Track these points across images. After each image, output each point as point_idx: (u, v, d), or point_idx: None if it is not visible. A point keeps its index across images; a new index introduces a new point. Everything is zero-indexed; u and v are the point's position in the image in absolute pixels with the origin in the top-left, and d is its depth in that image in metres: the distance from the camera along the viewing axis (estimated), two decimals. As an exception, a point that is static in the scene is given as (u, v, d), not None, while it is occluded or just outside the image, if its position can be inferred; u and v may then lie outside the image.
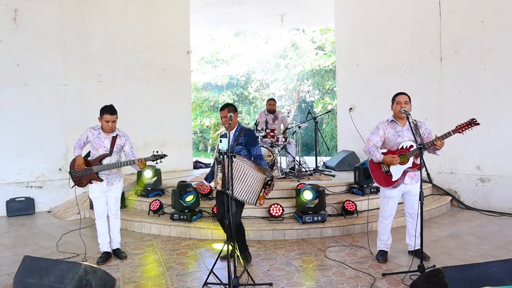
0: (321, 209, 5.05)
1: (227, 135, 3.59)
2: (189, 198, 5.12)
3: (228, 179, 3.26)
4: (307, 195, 4.91)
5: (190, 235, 5.04)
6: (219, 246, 4.21)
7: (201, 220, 5.25)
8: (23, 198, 6.56)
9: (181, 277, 3.72)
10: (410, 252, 4.09)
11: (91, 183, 4.08)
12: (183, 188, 5.20)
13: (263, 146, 6.39)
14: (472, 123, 3.53)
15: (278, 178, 6.40)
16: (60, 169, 6.90)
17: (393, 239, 4.14)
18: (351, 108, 8.23)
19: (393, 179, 3.79)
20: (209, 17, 10.80)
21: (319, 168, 7.33)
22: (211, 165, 3.98)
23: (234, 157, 3.35)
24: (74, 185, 4.12)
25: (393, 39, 7.42)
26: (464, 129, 3.55)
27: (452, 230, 5.11)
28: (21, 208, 6.52)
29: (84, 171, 4.01)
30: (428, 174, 3.50)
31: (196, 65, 19.73)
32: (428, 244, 4.35)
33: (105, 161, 4.03)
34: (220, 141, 3.38)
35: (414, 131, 3.68)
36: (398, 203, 4.01)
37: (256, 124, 6.70)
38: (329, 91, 17.85)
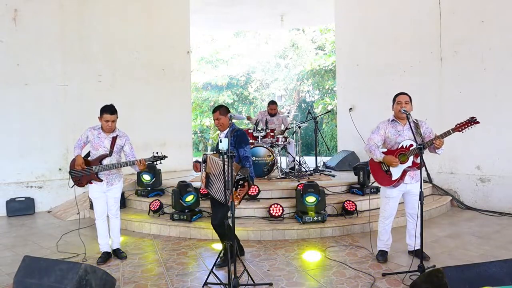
0: (321, 209, 5.06)
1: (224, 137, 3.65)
2: (189, 198, 5.14)
3: (228, 180, 3.24)
4: (311, 199, 4.91)
5: (190, 235, 5.04)
6: (219, 246, 4.20)
7: (201, 220, 5.25)
8: (23, 198, 6.56)
9: (181, 277, 3.72)
10: (410, 252, 4.09)
11: (91, 183, 4.08)
12: (183, 188, 5.21)
13: (263, 146, 6.39)
14: (471, 121, 3.53)
15: (278, 178, 6.41)
16: (60, 169, 6.90)
17: (393, 239, 4.14)
18: (351, 108, 8.23)
19: (393, 178, 3.79)
20: (209, 17, 10.80)
21: (319, 168, 7.33)
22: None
23: (234, 157, 3.35)
24: (74, 185, 4.12)
25: (393, 39, 7.42)
26: (463, 127, 3.55)
27: (452, 230, 5.11)
28: (21, 208, 6.52)
29: (84, 171, 4.00)
30: (428, 174, 3.50)
31: (196, 65, 19.73)
32: (428, 244, 4.35)
33: (105, 162, 4.03)
34: (220, 141, 3.38)
35: (414, 130, 3.68)
36: (399, 203, 4.01)
37: (256, 124, 6.70)
38: (329, 91, 17.85)
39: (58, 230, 5.50)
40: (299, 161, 7.12)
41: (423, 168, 3.51)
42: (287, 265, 3.96)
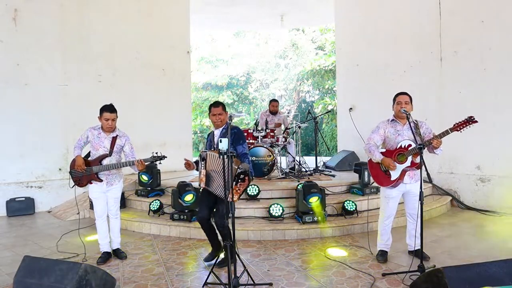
0: (322, 208, 5.05)
1: (220, 134, 3.62)
2: (188, 197, 5.13)
3: (228, 179, 3.24)
4: (314, 199, 4.92)
5: (190, 235, 5.04)
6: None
7: (201, 220, 5.24)
8: (23, 198, 6.56)
9: (181, 277, 3.72)
10: (410, 252, 4.09)
11: (91, 183, 4.08)
12: (183, 188, 5.21)
13: (263, 146, 6.39)
14: (470, 121, 3.53)
15: (278, 178, 6.41)
16: (60, 169, 6.90)
17: (393, 239, 4.13)
18: (351, 108, 8.23)
19: (392, 179, 3.79)
20: (209, 17, 10.81)
21: (319, 168, 7.33)
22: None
23: (234, 157, 3.34)
24: (74, 185, 4.12)
25: (393, 39, 7.42)
26: (462, 127, 3.55)
27: (452, 230, 5.11)
28: (21, 208, 6.52)
29: (84, 171, 4.00)
30: (428, 174, 3.50)
31: (196, 65, 19.73)
32: (428, 244, 4.35)
33: (105, 162, 4.03)
34: (220, 141, 3.37)
35: (414, 130, 3.68)
36: (399, 203, 4.01)
37: (256, 124, 6.70)
38: (329, 91, 17.84)
39: (58, 230, 5.50)
40: (299, 161, 7.13)
41: (423, 168, 3.51)
42: (287, 265, 3.96)
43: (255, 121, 6.97)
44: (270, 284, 3.46)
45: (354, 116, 8.05)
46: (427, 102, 6.76)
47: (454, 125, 3.58)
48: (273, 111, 7.54)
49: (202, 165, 3.65)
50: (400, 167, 3.74)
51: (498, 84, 6.12)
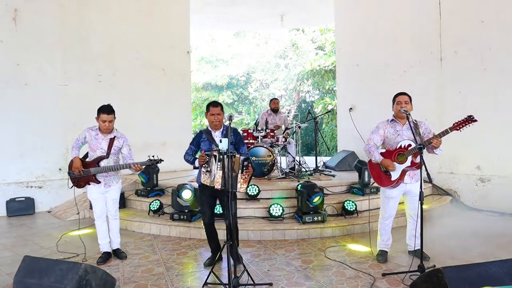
0: (322, 207, 5.06)
1: (221, 135, 3.60)
2: (186, 194, 5.10)
3: (227, 178, 3.24)
4: (318, 199, 4.93)
5: (190, 235, 5.04)
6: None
7: (201, 220, 5.21)
8: (23, 198, 6.56)
9: (181, 277, 3.72)
10: (410, 252, 4.09)
11: (89, 184, 4.05)
12: (182, 187, 5.20)
13: (263, 146, 6.39)
14: (469, 120, 3.52)
15: (278, 178, 6.41)
16: (60, 169, 6.90)
17: (393, 239, 4.14)
18: (351, 108, 8.23)
19: (392, 179, 3.78)
20: (209, 17, 10.81)
21: (319, 168, 7.33)
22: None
23: (234, 157, 3.34)
24: (73, 186, 4.09)
25: (393, 39, 7.42)
26: (461, 126, 3.54)
27: (452, 230, 5.10)
28: (21, 208, 6.52)
29: (82, 173, 3.95)
30: (428, 174, 3.49)
31: (196, 65, 19.73)
32: (428, 244, 4.33)
33: (103, 163, 3.99)
34: (220, 141, 3.37)
35: (413, 130, 3.67)
36: (399, 203, 4.01)
37: (256, 124, 6.70)
38: (329, 91, 17.83)
39: (58, 230, 5.50)
40: (299, 161, 7.13)
41: (423, 168, 3.51)
42: (287, 265, 3.96)
43: (255, 121, 6.97)
44: (270, 284, 3.46)
45: (354, 116, 8.05)
46: (427, 102, 6.75)
47: (453, 124, 3.57)
48: (275, 108, 7.57)
49: (218, 167, 3.47)
50: (400, 167, 3.74)
51: (498, 84, 6.12)
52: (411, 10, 7.14)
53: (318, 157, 7.48)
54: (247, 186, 3.51)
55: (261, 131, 6.55)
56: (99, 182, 4.03)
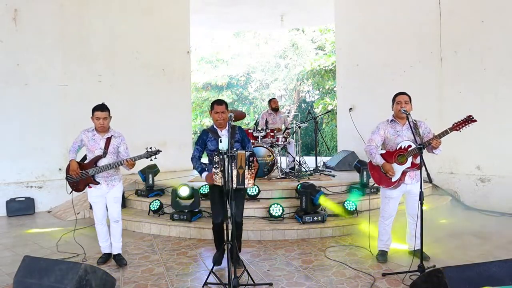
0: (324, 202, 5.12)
1: (228, 134, 3.57)
2: (183, 191, 5.08)
3: (229, 178, 3.23)
4: (322, 198, 4.95)
5: (190, 235, 5.04)
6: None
7: (201, 220, 5.25)
8: (23, 198, 6.56)
9: (181, 277, 3.72)
10: (410, 252, 4.09)
11: (90, 187, 3.96)
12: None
13: (263, 146, 6.39)
14: (469, 120, 3.52)
15: (278, 178, 6.41)
16: (60, 169, 6.90)
17: (393, 239, 4.13)
18: (351, 108, 8.23)
19: (393, 180, 3.78)
20: (209, 17, 10.81)
21: (319, 168, 7.33)
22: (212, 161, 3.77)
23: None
24: (72, 191, 3.99)
25: (393, 39, 7.42)
26: (461, 126, 3.54)
27: (452, 230, 5.10)
28: (21, 208, 6.51)
29: (80, 176, 3.88)
30: (428, 174, 3.49)
31: (196, 65, 19.73)
32: (428, 244, 4.33)
33: (100, 163, 3.90)
34: (220, 141, 3.36)
35: (413, 130, 3.67)
36: (399, 203, 4.01)
37: (256, 124, 6.70)
38: (329, 91, 17.83)
39: (58, 230, 5.49)
40: (299, 161, 7.13)
41: (423, 168, 3.51)
42: (287, 265, 3.96)
43: (255, 121, 6.97)
44: (270, 284, 3.46)
45: (354, 116, 8.05)
46: (427, 102, 6.75)
47: (453, 124, 3.57)
48: (275, 108, 7.58)
49: (234, 166, 3.40)
50: (400, 168, 3.74)
51: (498, 84, 6.13)
52: (411, 10, 7.14)
53: (318, 157, 7.48)
54: (254, 181, 3.50)
55: (261, 131, 6.55)
56: (98, 183, 3.94)
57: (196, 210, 5.28)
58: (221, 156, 3.38)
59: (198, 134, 4.13)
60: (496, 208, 6.03)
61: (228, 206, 3.49)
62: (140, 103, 7.72)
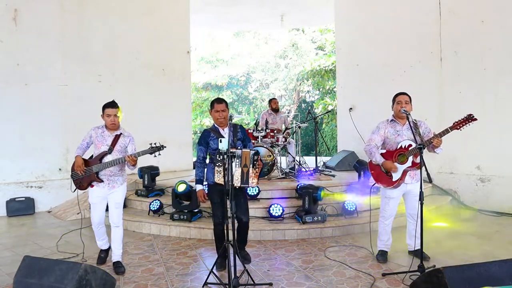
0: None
1: (230, 132, 3.59)
2: (181, 187, 5.09)
3: (229, 177, 3.23)
4: (323, 192, 4.99)
5: (190, 235, 5.04)
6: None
7: (201, 220, 5.25)
8: (23, 198, 6.56)
9: (181, 277, 3.72)
10: (410, 252, 4.09)
11: (92, 186, 3.89)
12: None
13: (263, 146, 6.39)
14: (469, 118, 3.52)
15: (278, 178, 6.41)
16: (60, 169, 6.90)
17: (393, 239, 4.14)
18: (351, 108, 8.23)
19: (394, 179, 3.78)
20: (209, 17, 10.81)
21: (319, 168, 7.33)
22: (212, 162, 3.75)
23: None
24: (76, 188, 3.91)
25: (393, 39, 7.42)
26: (461, 125, 3.54)
27: (452, 230, 5.11)
28: (21, 208, 6.51)
29: (84, 173, 3.83)
30: (428, 174, 3.49)
31: (196, 65, 19.73)
32: (428, 244, 4.33)
33: (105, 160, 3.83)
34: (220, 141, 3.35)
35: (413, 130, 3.67)
36: (399, 203, 4.01)
37: (256, 124, 6.70)
38: (329, 91, 17.83)
39: (58, 230, 5.50)
40: (299, 161, 7.13)
41: (423, 168, 3.51)
42: (287, 265, 3.96)
43: (255, 121, 6.97)
44: (270, 284, 3.46)
45: (354, 116, 8.05)
46: (427, 102, 6.75)
47: (453, 123, 3.57)
48: (275, 108, 7.60)
49: (237, 164, 3.43)
50: (401, 168, 3.74)
51: (498, 84, 6.13)
52: (411, 10, 7.14)
53: (318, 157, 7.48)
54: (258, 180, 3.52)
55: (261, 131, 6.55)
56: (101, 181, 3.85)
57: (196, 210, 5.29)
58: (223, 156, 3.36)
59: (199, 135, 4.14)
60: (496, 208, 6.03)
61: (228, 206, 3.50)
62: (140, 103, 7.72)
